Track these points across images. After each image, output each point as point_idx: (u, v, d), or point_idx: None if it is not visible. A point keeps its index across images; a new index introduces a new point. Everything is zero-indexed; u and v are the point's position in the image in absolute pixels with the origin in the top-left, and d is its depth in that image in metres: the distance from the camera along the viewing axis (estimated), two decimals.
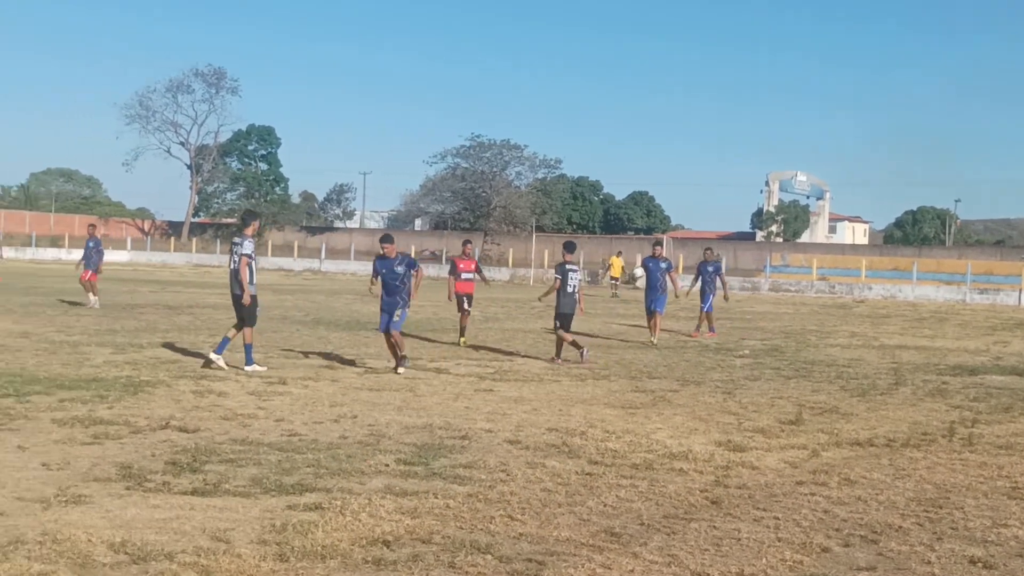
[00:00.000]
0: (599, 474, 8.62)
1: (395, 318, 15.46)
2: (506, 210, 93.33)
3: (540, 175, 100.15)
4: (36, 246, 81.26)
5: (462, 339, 20.18)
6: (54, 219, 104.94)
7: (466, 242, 22.15)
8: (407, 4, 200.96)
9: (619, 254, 55.25)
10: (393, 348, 15.44)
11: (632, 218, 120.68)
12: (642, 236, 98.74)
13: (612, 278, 52.05)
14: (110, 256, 77.55)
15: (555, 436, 10.29)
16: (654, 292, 21.84)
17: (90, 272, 27.13)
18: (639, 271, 21.12)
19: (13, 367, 13.88)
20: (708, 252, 26.40)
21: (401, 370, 14.91)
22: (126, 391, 12.17)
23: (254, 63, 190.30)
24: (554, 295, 17.83)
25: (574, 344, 17.23)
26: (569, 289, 17.56)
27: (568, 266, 17.67)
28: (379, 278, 15.71)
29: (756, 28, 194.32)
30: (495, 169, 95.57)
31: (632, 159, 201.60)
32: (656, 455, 9.50)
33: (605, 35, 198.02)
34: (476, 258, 20.16)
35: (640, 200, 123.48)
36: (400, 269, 15.56)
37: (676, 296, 23.27)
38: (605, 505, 7.56)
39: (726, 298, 26.09)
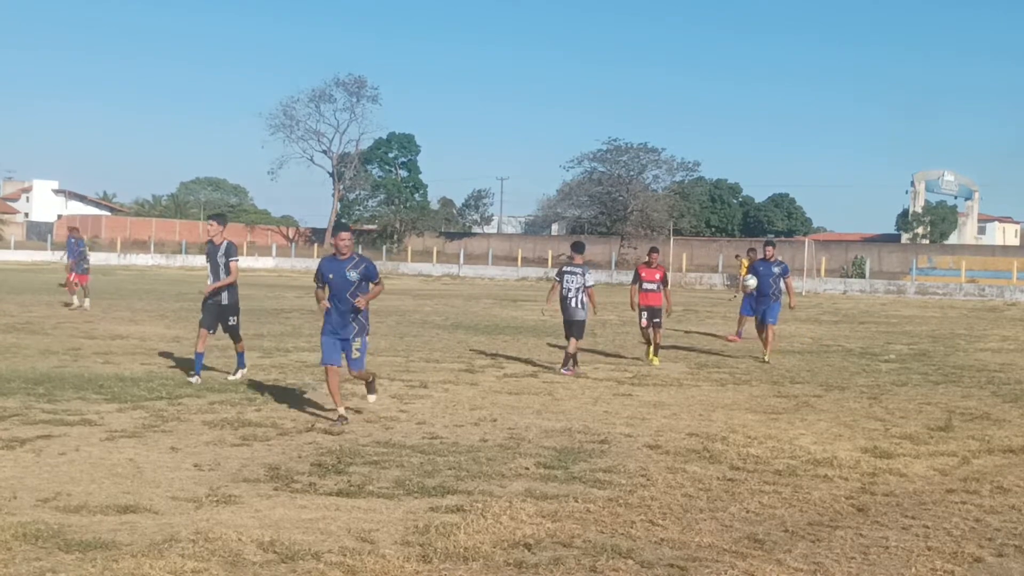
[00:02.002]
0: (741, 480, 8.52)
1: (354, 354, 11.09)
2: (643, 214, 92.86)
3: (678, 178, 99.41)
4: (186, 253, 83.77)
5: (653, 357, 17.63)
6: (203, 227, 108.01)
7: (652, 250, 19.24)
8: (544, 9, 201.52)
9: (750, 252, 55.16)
10: (337, 391, 11.06)
11: (772, 221, 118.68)
12: (782, 239, 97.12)
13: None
14: (257, 263, 79.71)
15: (696, 441, 10.20)
16: (766, 300, 19.11)
17: (75, 274, 27.41)
18: (751, 280, 18.63)
19: (166, 371, 14.37)
20: (752, 253, 25.21)
21: (371, 397, 11.68)
22: (273, 394, 12.48)
23: (394, 71, 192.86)
24: (557, 301, 16.02)
25: (572, 356, 15.61)
26: (566, 294, 15.79)
27: (567, 268, 15.98)
28: (327, 286, 11.14)
29: (899, 25, 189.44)
30: (632, 173, 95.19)
31: (772, 161, 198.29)
32: (800, 461, 9.35)
33: (744, 36, 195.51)
34: (662, 267, 17.44)
35: (780, 202, 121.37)
36: (353, 275, 11.01)
37: (791, 307, 20.37)
38: (748, 511, 7.47)
39: (792, 306, 20.70)
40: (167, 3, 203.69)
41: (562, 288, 15.88)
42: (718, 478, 8.56)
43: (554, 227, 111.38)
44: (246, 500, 7.37)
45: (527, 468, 8.72)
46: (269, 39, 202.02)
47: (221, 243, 13.59)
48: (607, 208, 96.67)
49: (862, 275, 63.61)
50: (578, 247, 16.65)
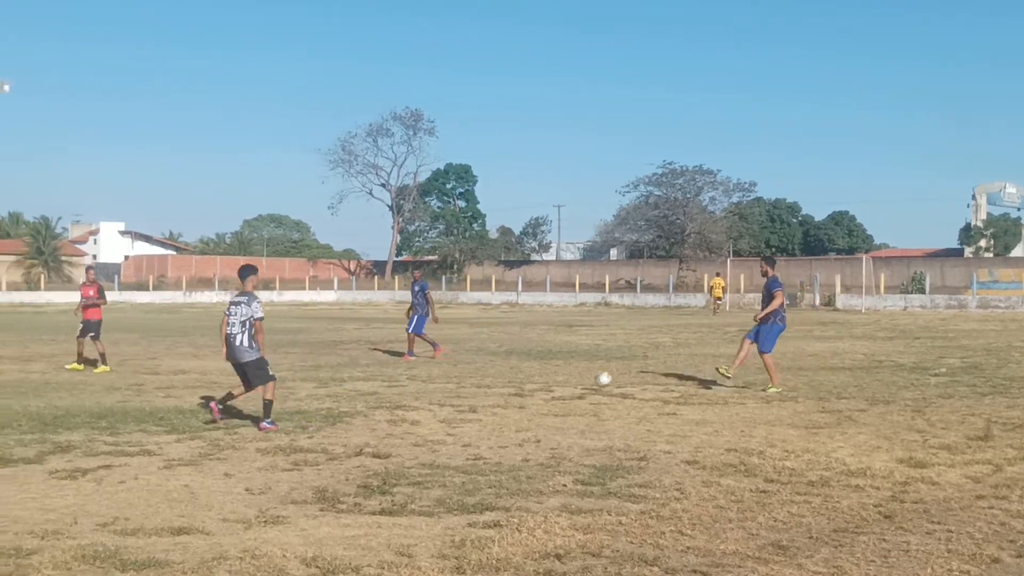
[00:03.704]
0: (773, 491, 8.74)
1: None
2: (701, 236, 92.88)
3: (735, 199, 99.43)
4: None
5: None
6: (266, 263, 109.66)
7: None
8: (594, 36, 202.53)
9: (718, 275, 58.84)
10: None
11: (833, 239, 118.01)
12: (843, 257, 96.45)
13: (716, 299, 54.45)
14: (320, 296, 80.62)
15: (733, 456, 10.42)
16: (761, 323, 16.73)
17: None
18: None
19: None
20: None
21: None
22: (326, 421, 12.88)
23: (449, 103, 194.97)
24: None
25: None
26: (230, 330, 12.71)
27: (234, 299, 12.99)
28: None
29: (954, 37, 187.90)
30: (688, 195, 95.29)
31: (831, 178, 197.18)
32: (833, 472, 9.54)
33: (796, 54, 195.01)
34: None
35: (840, 220, 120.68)
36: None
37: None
38: (775, 520, 7.70)
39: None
40: (226, 45, 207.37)
41: (228, 323, 12.81)
42: (751, 490, 8.78)
43: (612, 252, 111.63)
44: (293, 520, 7.73)
45: (565, 485, 9.00)
46: (326, 76, 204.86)
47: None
48: (665, 231, 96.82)
49: (922, 291, 63.14)
50: (246, 271, 13.35)
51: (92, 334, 20.73)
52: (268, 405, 12.54)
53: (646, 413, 13.80)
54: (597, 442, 11.34)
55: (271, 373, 12.82)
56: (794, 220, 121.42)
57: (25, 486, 8.93)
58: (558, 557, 6.71)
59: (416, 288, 24.43)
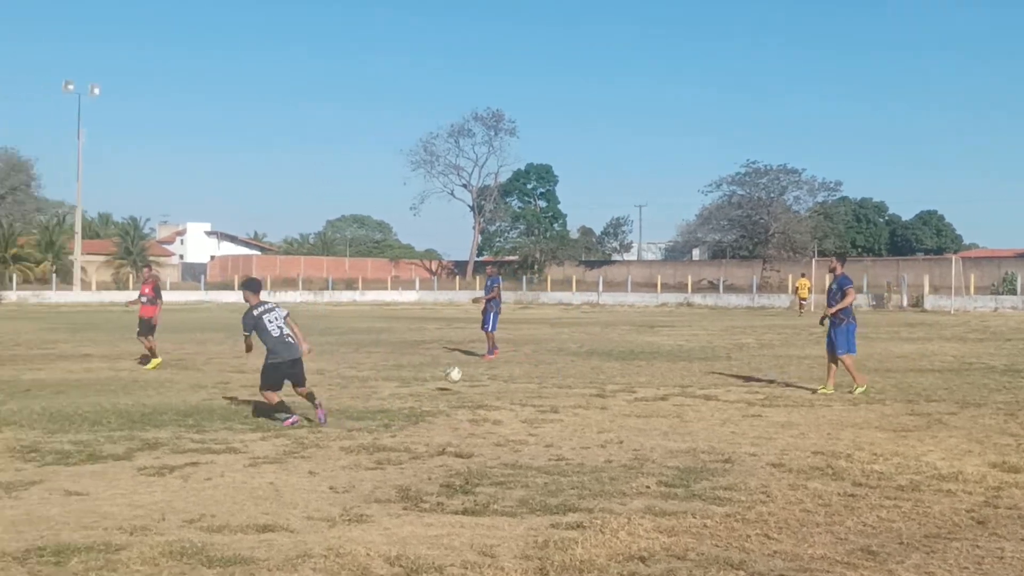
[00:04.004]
0: (862, 495, 8.57)
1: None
2: (785, 236, 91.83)
3: (819, 199, 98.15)
4: (332, 289, 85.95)
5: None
6: (349, 263, 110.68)
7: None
8: (676, 36, 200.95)
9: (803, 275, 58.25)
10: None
11: (920, 239, 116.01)
12: (931, 257, 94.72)
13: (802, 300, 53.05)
14: (401, 296, 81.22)
15: (820, 459, 10.25)
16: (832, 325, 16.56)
17: None
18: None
19: (307, 402, 14.92)
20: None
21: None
22: (408, 421, 12.93)
23: (530, 104, 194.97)
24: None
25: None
26: (279, 333, 13.20)
27: (262, 308, 13.40)
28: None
29: None
30: (772, 195, 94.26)
31: (918, 177, 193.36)
32: (924, 476, 9.34)
33: (881, 54, 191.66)
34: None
35: (929, 220, 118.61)
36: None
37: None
38: (864, 525, 7.55)
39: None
40: (314, 49, 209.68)
41: (272, 327, 13.14)
42: (839, 494, 8.63)
43: (695, 252, 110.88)
44: (377, 519, 7.75)
45: (648, 487, 8.92)
46: (409, 78, 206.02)
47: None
48: (748, 231, 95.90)
49: (1013, 291, 61.75)
50: (253, 285, 14.15)
51: (144, 330, 21.17)
52: (273, 405, 13.01)
53: (730, 415, 13.65)
54: (680, 444, 11.23)
55: None
56: (880, 220, 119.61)
57: (114, 482, 9.08)
58: (642, 559, 6.64)
59: (488, 283, 24.45)
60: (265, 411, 13.26)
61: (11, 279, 77.10)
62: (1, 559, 6.56)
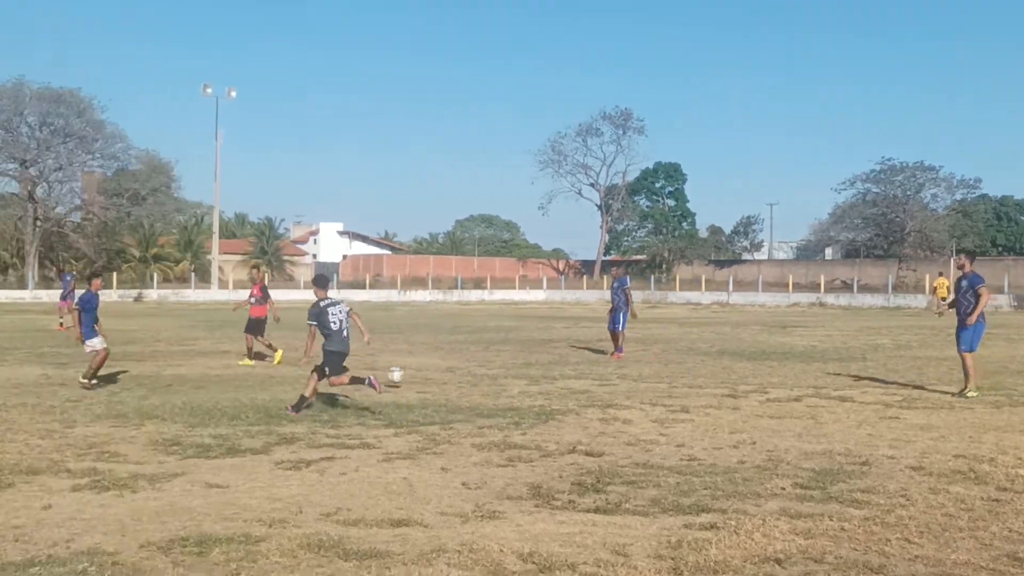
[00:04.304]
0: (1007, 500, 8.31)
1: None
2: (921, 234, 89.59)
3: (958, 196, 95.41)
4: (461, 288, 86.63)
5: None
6: (477, 263, 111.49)
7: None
8: (809, 35, 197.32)
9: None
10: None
11: None
12: None
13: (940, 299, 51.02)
14: (529, 295, 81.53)
15: (962, 463, 9.96)
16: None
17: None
18: None
19: (439, 398, 15.10)
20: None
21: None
22: (538, 419, 12.96)
23: (658, 102, 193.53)
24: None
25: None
26: (342, 328, 13.90)
27: (326, 303, 14.00)
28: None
29: None
30: (908, 193, 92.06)
31: None
32: None
33: (1021, 49, 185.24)
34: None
35: None
36: (338, 313, 13.92)
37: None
38: (1010, 530, 7.31)
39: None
40: (442, 51, 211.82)
41: (332, 322, 13.77)
42: (982, 499, 8.37)
43: (827, 251, 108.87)
44: (509, 516, 7.78)
45: (783, 488, 8.78)
46: (537, 78, 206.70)
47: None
48: (883, 230, 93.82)
49: None
50: (322, 281, 14.73)
51: (256, 330, 21.63)
52: (347, 382, 13.87)
53: (866, 416, 13.35)
54: (815, 445, 11.03)
55: None
56: (1023, 218, 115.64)
57: (253, 475, 9.29)
58: (778, 562, 6.53)
59: (615, 285, 24.34)
60: (335, 398, 14.16)
61: (152, 278, 79.55)
62: (146, 548, 6.76)
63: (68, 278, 34.51)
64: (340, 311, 13.93)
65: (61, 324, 32.98)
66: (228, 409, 13.55)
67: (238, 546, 6.80)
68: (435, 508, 8.03)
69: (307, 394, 13.61)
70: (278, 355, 20.98)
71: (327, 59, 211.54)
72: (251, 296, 22.50)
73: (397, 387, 16.12)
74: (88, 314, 16.67)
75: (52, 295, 63.07)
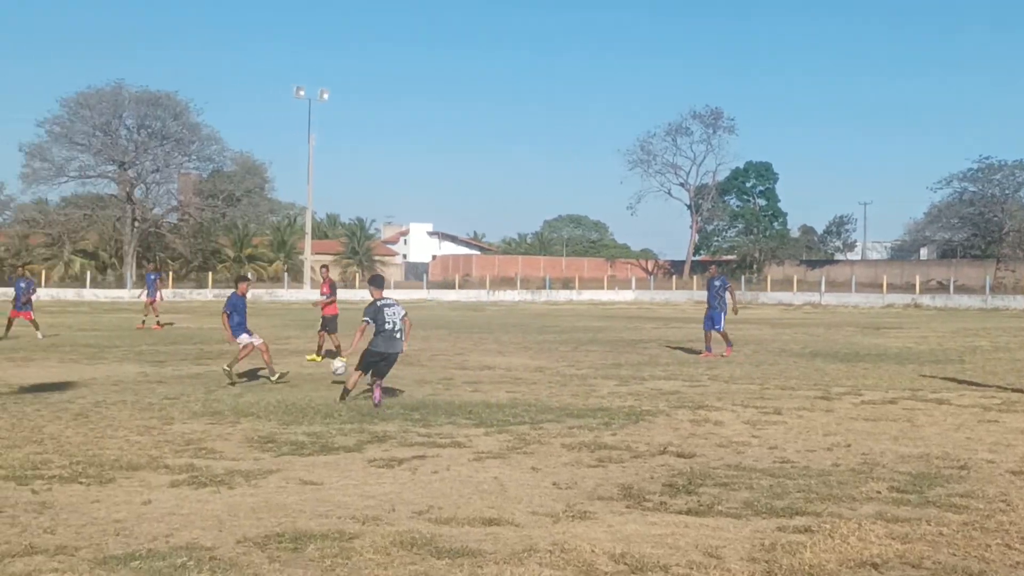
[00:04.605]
0: None
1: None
2: (1020, 234, 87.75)
3: None
4: (550, 288, 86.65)
5: None
6: (565, 263, 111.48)
7: None
8: (903, 30, 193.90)
9: None
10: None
11: None
12: None
13: None
14: (618, 296, 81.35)
15: None
16: None
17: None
18: None
19: (529, 398, 15.13)
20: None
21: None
22: (628, 419, 12.91)
23: (749, 101, 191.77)
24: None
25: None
26: (391, 328, 14.35)
27: (384, 303, 14.50)
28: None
29: None
30: (1007, 192, 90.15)
31: None
32: None
33: None
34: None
35: None
36: (393, 314, 14.38)
37: None
38: None
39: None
40: (535, 49, 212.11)
41: (386, 323, 14.21)
42: None
43: (923, 251, 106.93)
44: (600, 516, 7.76)
45: (879, 492, 8.64)
46: (626, 77, 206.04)
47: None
48: (980, 230, 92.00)
49: None
50: (380, 281, 15.26)
51: (330, 328, 21.94)
52: (351, 386, 14.49)
53: (964, 420, 13.08)
54: (912, 448, 10.84)
55: None
56: None
57: (347, 473, 9.40)
58: (875, 566, 6.44)
59: (717, 284, 24.26)
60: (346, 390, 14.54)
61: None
62: (243, 544, 6.88)
63: (152, 277, 35.26)
64: (395, 313, 14.41)
65: (143, 323, 33.70)
66: (321, 407, 13.72)
67: (332, 543, 6.89)
68: (526, 507, 8.05)
69: (348, 386, 14.51)
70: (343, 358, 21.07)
71: (418, 60, 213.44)
72: (322, 294, 23.08)
73: (341, 381, 15.88)
74: (237, 315, 17.56)
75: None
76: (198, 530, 7.23)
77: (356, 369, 14.52)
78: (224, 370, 17.11)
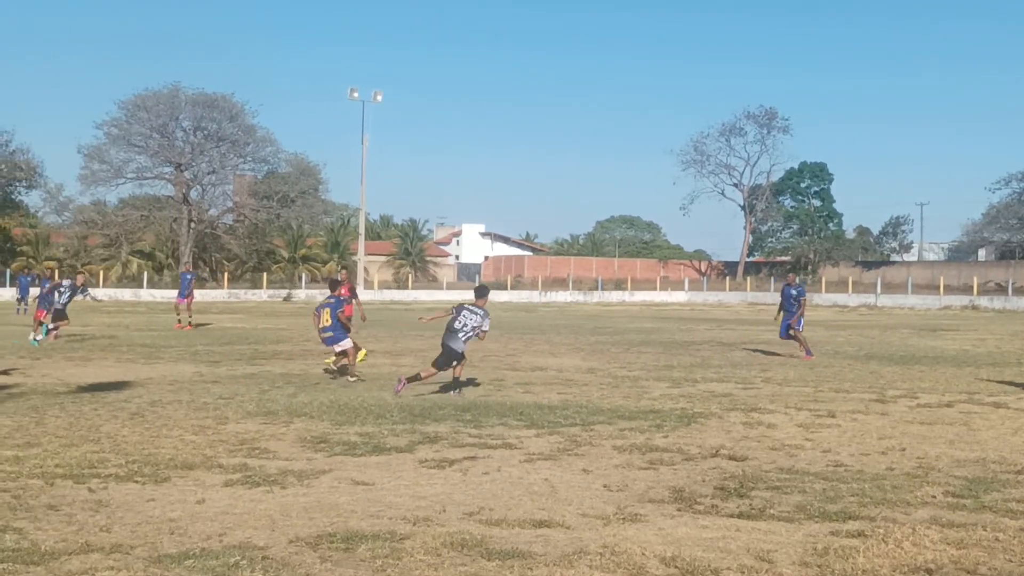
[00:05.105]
0: None
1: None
2: None
3: None
4: (602, 289, 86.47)
5: None
6: (618, 264, 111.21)
7: None
8: (962, 23, 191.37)
9: None
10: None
11: None
12: None
13: None
14: (671, 297, 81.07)
15: None
16: None
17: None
18: None
19: (580, 399, 15.12)
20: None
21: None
22: (680, 422, 12.86)
23: (804, 101, 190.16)
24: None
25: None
26: (459, 326, 15.54)
27: (468, 307, 15.88)
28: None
29: None
30: None
31: None
32: None
33: None
34: None
35: None
36: (471, 319, 15.58)
37: None
38: None
39: None
40: (584, 50, 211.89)
41: (456, 320, 15.58)
42: None
43: (981, 252, 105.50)
44: (651, 519, 7.74)
45: (934, 496, 8.55)
46: (680, 77, 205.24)
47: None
48: None
49: None
50: (481, 291, 16.38)
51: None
52: (457, 380, 15.72)
53: (1022, 424, 12.91)
54: (968, 453, 10.71)
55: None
56: None
57: (398, 473, 9.44)
58: (929, 572, 6.37)
59: (794, 292, 24.27)
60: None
61: (300, 278, 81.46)
62: (295, 543, 6.93)
63: (188, 277, 35.55)
64: (470, 318, 15.54)
65: (179, 322, 33.90)
66: (374, 408, 13.79)
67: (383, 543, 6.92)
68: (576, 509, 8.05)
69: (423, 375, 15.73)
70: (362, 354, 20.76)
71: (470, 61, 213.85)
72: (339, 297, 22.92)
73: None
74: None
75: (206, 294, 65.07)
76: (251, 529, 7.30)
77: (432, 365, 15.73)
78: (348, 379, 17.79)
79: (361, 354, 20.89)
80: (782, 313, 24.50)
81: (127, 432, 11.62)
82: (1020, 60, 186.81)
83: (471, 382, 16.94)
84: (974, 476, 9.42)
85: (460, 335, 15.38)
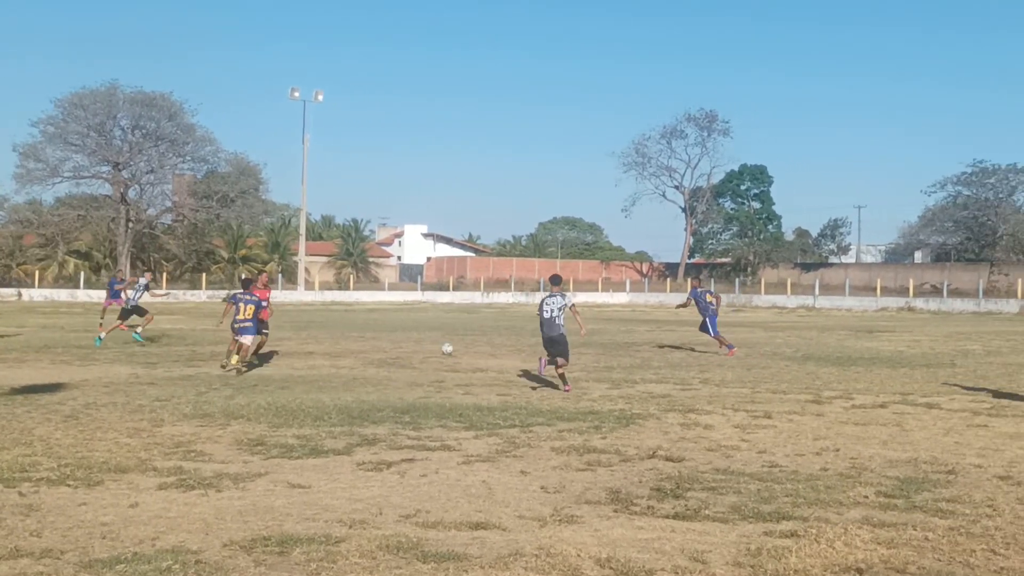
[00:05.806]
0: None
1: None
2: (1014, 238, 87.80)
3: None
4: (544, 290, 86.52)
5: None
6: (560, 265, 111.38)
7: None
8: (896, 32, 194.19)
9: None
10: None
11: None
12: None
13: None
14: (612, 298, 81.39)
15: None
16: None
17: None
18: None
19: (520, 401, 15.13)
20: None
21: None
22: (619, 423, 12.92)
23: (743, 104, 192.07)
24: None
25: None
26: (550, 315, 17.20)
27: (548, 297, 17.53)
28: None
29: None
30: (1001, 196, 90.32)
31: None
32: None
33: None
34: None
35: None
36: (554, 304, 17.19)
37: None
38: None
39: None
40: (530, 50, 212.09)
41: (544, 311, 17.24)
42: None
43: (917, 255, 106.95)
44: (587, 520, 7.77)
45: (866, 497, 8.66)
46: (621, 80, 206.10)
47: None
48: (974, 234, 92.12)
49: None
50: (556, 280, 17.89)
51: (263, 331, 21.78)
52: (563, 375, 16.95)
53: (954, 424, 13.11)
54: (901, 453, 10.86)
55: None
56: None
57: (335, 476, 9.40)
58: (859, 571, 6.45)
59: (698, 293, 26.88)
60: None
61: (240, 278, 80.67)
62: (229, 547, 6.88)
63: (115, 283, 35.13)
64: (554, 303, 17.18)
65: (101, 324, 33.33)
66: (312, 410, 13.71)
67: (318, 546, 6.89)
68: (513, 511, 8.06)
69: (559, 364, 16.98)
70: (234, 358, 20.30)
71: (414, 61, 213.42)
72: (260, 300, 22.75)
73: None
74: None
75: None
76: (184, 533, 7.24)
77: (550, 362, 17.07)
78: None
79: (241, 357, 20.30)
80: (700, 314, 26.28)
81: (60, 435, 11.46)
82: (954, 64, 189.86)
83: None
84: (906, 476, 9.55)
85: (556, 320, 16.97)
